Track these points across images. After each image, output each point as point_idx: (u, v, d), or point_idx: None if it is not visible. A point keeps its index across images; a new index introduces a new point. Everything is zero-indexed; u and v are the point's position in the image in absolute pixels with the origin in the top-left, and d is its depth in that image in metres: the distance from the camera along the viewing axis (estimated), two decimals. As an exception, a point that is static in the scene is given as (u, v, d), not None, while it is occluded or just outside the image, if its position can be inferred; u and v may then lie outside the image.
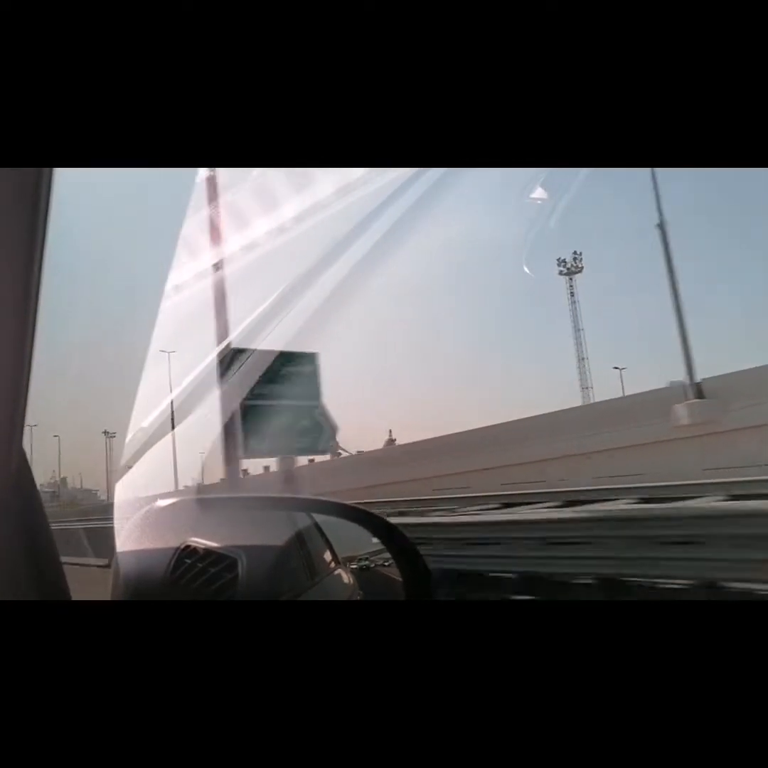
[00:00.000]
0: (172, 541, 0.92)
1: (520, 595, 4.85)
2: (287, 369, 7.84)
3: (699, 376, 10.42)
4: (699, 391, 10.10)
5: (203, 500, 1.08)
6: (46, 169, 0.56)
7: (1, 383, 0.67)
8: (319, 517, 1.14)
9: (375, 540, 1.00)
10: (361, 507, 1.02)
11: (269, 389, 7.57)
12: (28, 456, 0.77)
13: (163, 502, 1.02)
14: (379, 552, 1.01)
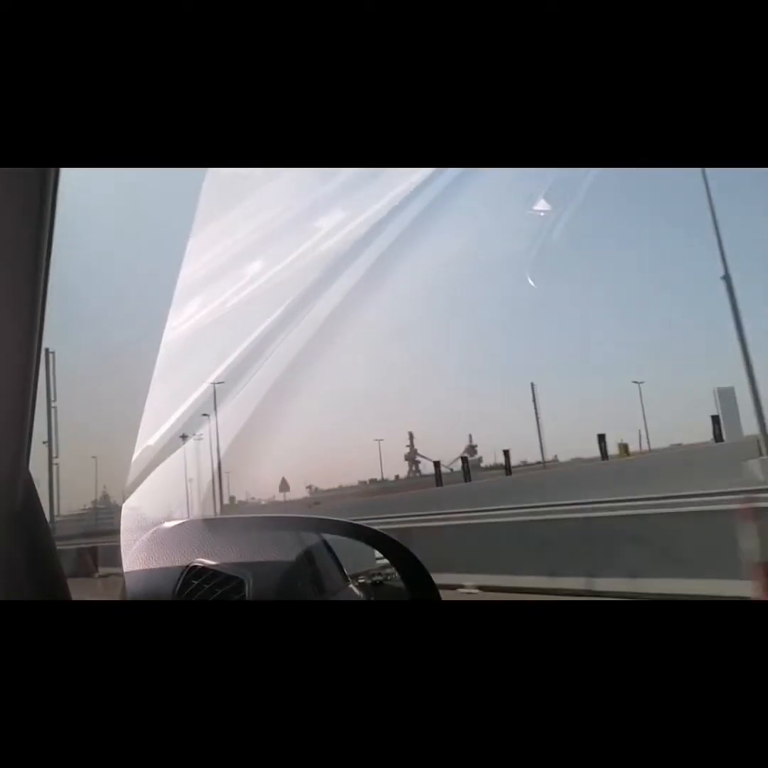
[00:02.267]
0: (179, 561, 0.93)
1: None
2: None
3: None
4: None
5: (210, 521, 1.09)
6: (51, 171, 0.56)
7: (6, 409, 0.68)
8: (327, 535, 1.15)
9: (380, 556, 1.00)
10: (362, 524, 1.03)
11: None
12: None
13: (170, 523, 1.03)
14: (385, 566, 1.02)
